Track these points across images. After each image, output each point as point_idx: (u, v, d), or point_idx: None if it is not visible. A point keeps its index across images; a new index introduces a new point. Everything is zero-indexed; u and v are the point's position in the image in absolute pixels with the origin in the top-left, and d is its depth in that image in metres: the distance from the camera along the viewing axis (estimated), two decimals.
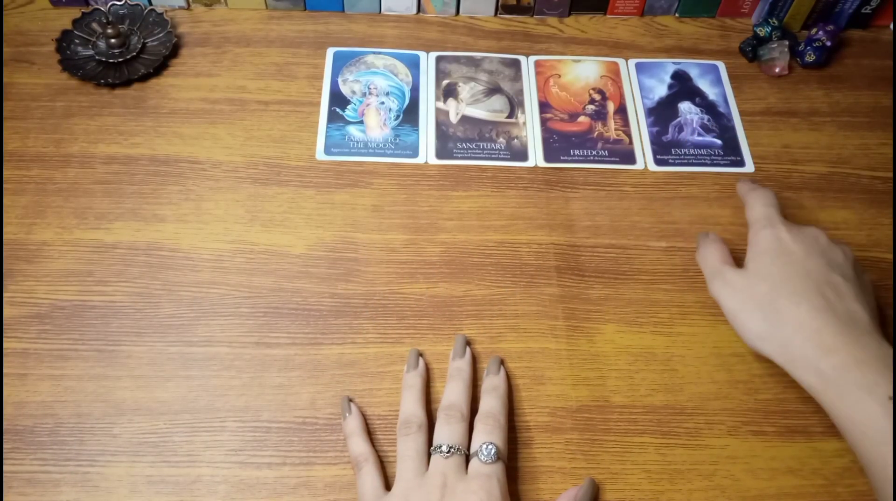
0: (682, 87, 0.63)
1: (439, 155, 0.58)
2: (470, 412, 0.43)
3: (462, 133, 0.59)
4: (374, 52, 0.64)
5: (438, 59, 0.64)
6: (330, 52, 0.63)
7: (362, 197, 0.55)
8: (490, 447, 0.40)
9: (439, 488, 0.38)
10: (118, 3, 0.63)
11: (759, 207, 0.48)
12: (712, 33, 0.67)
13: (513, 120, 0.60)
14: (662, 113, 0.61)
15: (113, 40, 0.60)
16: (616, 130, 0.60)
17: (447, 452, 0.40)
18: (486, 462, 0.39)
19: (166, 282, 0.50)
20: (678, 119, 0.61)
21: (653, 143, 0.59)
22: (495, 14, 0.67)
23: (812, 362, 0.40)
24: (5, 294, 0.49)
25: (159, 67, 0.61)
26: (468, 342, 0.47)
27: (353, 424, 0.43)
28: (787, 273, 0.43)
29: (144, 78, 0.60)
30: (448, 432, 0.41)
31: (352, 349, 0.48)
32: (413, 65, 0.63)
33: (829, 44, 0.64)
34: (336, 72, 0.62)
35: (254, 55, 0.63)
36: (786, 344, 0.42)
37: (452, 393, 0.43)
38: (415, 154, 0.58)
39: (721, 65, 0.65)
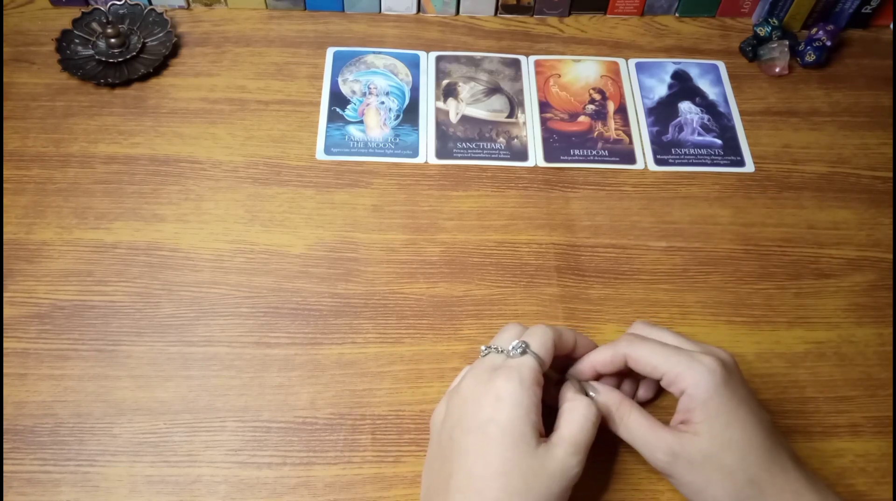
0: (683, 86, 0.63)
1: (439, 155, 0.58)
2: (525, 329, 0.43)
3: (462, 133, 0.59)
4: (374, 52, 0.64)
5: (438, 58, 0.64)
6: (330, 51, 0.63)
7: (362, 197, 0.55)
8: (519, 344, 0.40)
9: (460, 381, 0.41)
10: (118, 2, 0.63)
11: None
12: (712, 33, 0.67)
13: (513, 120, 0.60)
14: (662, 113, 0.61)
15: (113, 40, 0.60)
16: (616, 129, 0.60)
17: (484, 350, 0.42)
18: (512, 357, 0.40)
19: (166, 282, 0.50)
20: (678, 119, 0.61)
21: (653, 142, 0.59)
22: (495, 14, 0.67)
23: None
24: (5, 294, 0.49)
25: (159, 67, 0.61)
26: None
27: None
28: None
29: (144, 78, 0.60)
30: (495, 339, 0.43)
31: (352, 348, 0.48)
32: (413, 65, 0.63)
33: (829, 44, 0.64)
34: (336, 72, 0.62)
35: (254, 55, 0.63)
36: None
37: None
38: (415, 154, 0.58)
39: (721, 65, 0.65)
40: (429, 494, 0.40)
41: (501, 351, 0.41)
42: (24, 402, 0.45)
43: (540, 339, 0.41)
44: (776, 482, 0.37)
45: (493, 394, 0.38)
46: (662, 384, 0.40)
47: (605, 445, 0.45)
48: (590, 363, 0.43)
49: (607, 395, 0.41)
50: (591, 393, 0.41)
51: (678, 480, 0.39)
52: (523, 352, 0.40)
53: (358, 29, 0.65)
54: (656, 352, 0.40)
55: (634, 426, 0.40)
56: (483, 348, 0.42)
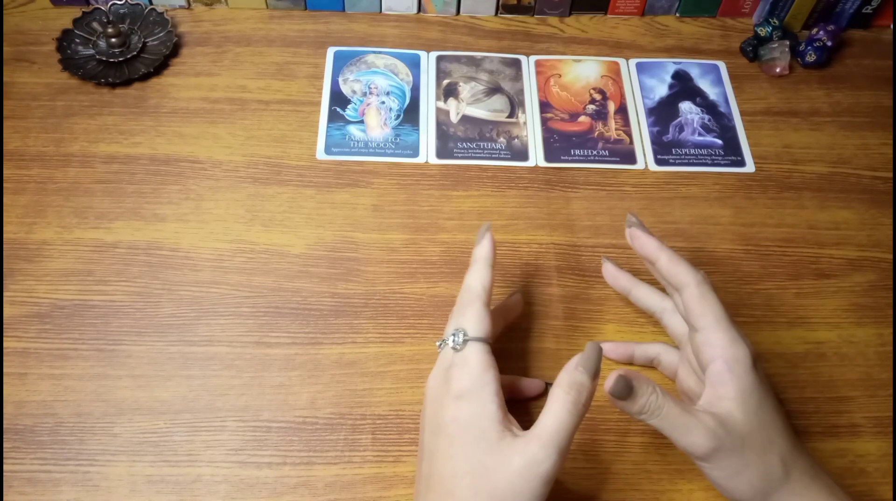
0: (683, 86, 0.63)
1: (440, 155, 0.58)
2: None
3: (462, 133, 0.59)
4: (374, 52, 0.64)
5: (439, 58, 0.64)
6: (330, 51, 0.63)
7: (362, 197, 0.55)
8: (457, 334, 0.39)
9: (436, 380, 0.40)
10: (119, 2, 0.63)
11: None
12: (713, 33, 0.67)
13: (513, 120, 0.60)
14: (663, 113, 0.61)
15: (113, 40, 0.60)
16: (616, 129, 0.60)
17: (439, 344, 0.40)
18: (458, 350, 0.39)
19: (166, 282, 0.50)
20: (679, 119, 0.61)
21: (653, 142, 0.59)
22: (496, 14, 0.67)
23: None
24: (5, 294, 0.49)
25: (160, 67, 0.61)
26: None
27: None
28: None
29: (145, 77, 0.60)
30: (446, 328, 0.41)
31: (352, 348, 0.48)
32: (413, 64, 0.63)
33: (829, 44, 0.64)
34: (336, 71, 0.62)
35: (254, 55, 0.63)
36: None
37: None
38: (415, 154, 0.58)
39: (722, 65, 0.65)
40: (415, 494, 0.40)
41: (448, 345, 0.39)
42: (24, 402, 0.45)
43: (472, 317, 0.39)
44: (799, 464, 0.38)
45: (451, 394, 0.38)
46: (697, 340, 0.39)
47: (605, 445, 0.45)
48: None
49: (639, 383, 0.36)
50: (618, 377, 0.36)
51: (716, 464, 0.37)
52: (465, 341, 0.39)
53: (358, 29, 0.65)
54: (718, 307, 0.39)
55: (673, 414, 0.36)
56: (438, 343, 0.41)
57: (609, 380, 0.36)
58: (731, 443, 0.36)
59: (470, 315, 0.40)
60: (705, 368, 0.39)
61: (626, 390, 0.36)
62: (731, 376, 0.37)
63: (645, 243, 0.42)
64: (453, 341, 0.39)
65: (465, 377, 0.38)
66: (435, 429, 0.38)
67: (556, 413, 0.36)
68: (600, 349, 0.38)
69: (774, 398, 0.39)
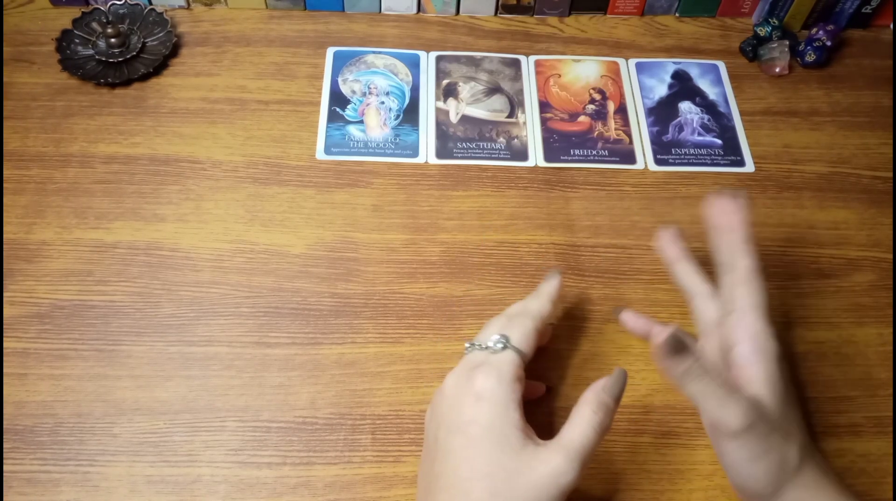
0: (683, 86, 0.63)
1: (439, 155, 0.58)
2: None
3: (462, 133, 0.59)
4: (374, 52, 0.64)
5: (438, 58, 0.64)
6: (330, 51, 0.63)
7: (362, 197, 0.55)
8: (500, 339, 0.39)
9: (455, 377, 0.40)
10: (118, 2, 0.63)
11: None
12: (712, 33, 0.67)
13: (513, 120, 0.60)
14: (663, 113, 0.61)
15: (113, 40, 0.60)
16: (616, 129, 0.60)
17: (468, 346, 0.41)
18: (493, 352, 0.39)
19: (166, 282, 0.50)
20: (678, 119, 0.61)
21: (653, 142, 0.59)
22: (495, 14, 0.67)
23: None
24: (5, 294, 0.49)
25: (159, 67, 0.61)
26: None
27: None
28: None
29: (144, 77, 0.60)
30: (479, 333, 0.42)
31: (352, 348, 0.48)
32: (413, 64, 0.63)
33: (829, 44, 0.64)
34: (336, 71, 0.62)
35: (254, 55, 0.63)
36: None
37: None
38: (415, 154, 0.58)
39: (721, 64, 0.65)
40: (421, 494, 0.40)
41: (484, 348, 0.40)
42: (24, 402, 0.45)
43: (521, 331, 0.40)
44: (815, 458, 0.38)
45: (473, 394, 0.38)
46: (731, 320, 0.39)
47: (605, 444, 0.45)
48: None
49: (691, 343, 0.36)
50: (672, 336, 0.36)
51: (743, 444, 0.36)
52: (504, 347, 0.39)
53: (358, 29, 0.65)
54: (762, 296, 0.39)
55: (715, 383, 0.36)
56: (467, 344, 0.41)
57: (662, 333, 0.36)
58: (762, 425, 0.36)
59: (519, 329, 0.40)
60: (731, 349, 0.39)
61: (678, 346, 0.36)
62: (759, 358, 0.38)
63: (725, 214, 0.42)
64: (494, 342, 0.39)
65: (493, 379, 0.38)
66: (451, 428, 0.38)
67: (582, 430, 0.36)
68: (626, 376, 0.38)
69: (795, 394, 0.40)
